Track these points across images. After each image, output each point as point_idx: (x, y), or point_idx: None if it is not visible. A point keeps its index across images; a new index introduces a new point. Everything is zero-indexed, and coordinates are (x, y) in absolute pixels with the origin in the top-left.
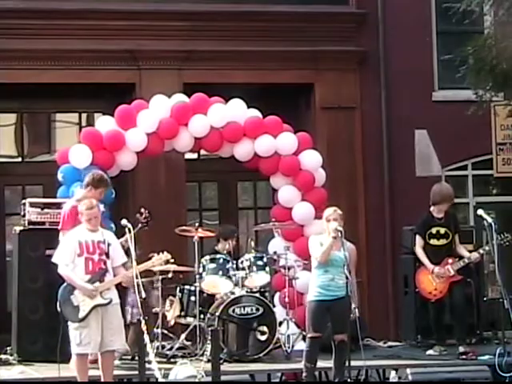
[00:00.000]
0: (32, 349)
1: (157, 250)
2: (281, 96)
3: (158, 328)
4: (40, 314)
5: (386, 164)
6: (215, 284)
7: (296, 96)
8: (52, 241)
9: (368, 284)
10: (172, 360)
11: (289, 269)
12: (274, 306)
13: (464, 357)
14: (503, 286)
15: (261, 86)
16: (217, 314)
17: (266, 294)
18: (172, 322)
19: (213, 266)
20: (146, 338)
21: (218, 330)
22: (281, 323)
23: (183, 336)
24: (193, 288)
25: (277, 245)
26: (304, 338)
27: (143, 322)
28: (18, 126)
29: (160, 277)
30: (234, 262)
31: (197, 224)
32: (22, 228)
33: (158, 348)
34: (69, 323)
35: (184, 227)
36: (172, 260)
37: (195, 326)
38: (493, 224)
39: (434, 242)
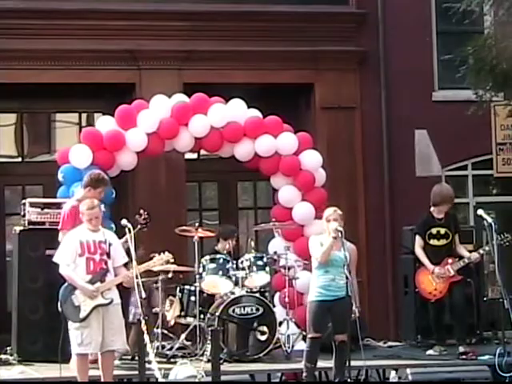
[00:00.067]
0: (32, 349)
1: (157, 250)
2: (281, 96)
3: (157, 328)
4: (40, 314)
5: (386, 164)
6: (215, 284)
7: (296, 96)
8: (52, 241)
9: (368, 284)
10: (172, 360)
11: (289, 269)
12: (274, 305)
13: (464, 357)
14: (503, 286)
15: (261, 86)
16: (217, 314)
17: (266, 293)
18: (172, 322)
19: (213, 265)
20: (146, 337)
21: (218, 329)
22: (281, 323)
23: (183, 336)
24: (193, 288)
25: (277, 245)
26: (304, 338)
27: (143, 321)
28: (18, 126)
29: (160, 277)
30: (234, 261)
31: (197, 224)
32: (22, 228)
33: (157, 348)
34: (69, 323)
35: (184, 227)
36: (172, 260)
37: (195, 326)
38: (493, 224)
39: (434, 242)
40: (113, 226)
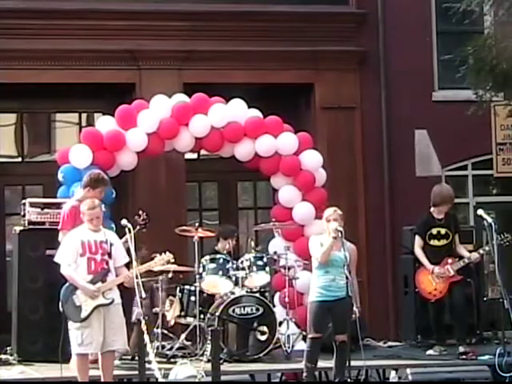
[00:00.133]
0: (32, 349)
1: (157, 250)
2: (281, 96)
3: (157, 328)
4: (40, 314)
5: (386, 164)
6: (215, 284)
7: (296, 96)
8: (52, 241)
9: (368, 284)
10: (172, 360)
11: (289, 269)
12: (274, 305)
13: (464, 357)
14: (503, 286)
15: (261, 86)
16: (217, 314)
17: (266, 294)
18: (172, 322)
19: (213, 265)
20: (146, 337)
21: (218, 329)
22: (281, 323)
23: (183, 336)
24: (193, 288)
25: (277, 245)
26: (304, 338)
27: (143, 321)
28: (18, 126)
29: (161, 277)
30: (234, 261)
31: (197, 224)
32: (22, 228)
33: (158, 348)
34: (70, 323)
35: (184, 227)
36: (173, 260)
37: (195, 326)
38: (493, 224)
39: (434, 242)
40: (113, 226)
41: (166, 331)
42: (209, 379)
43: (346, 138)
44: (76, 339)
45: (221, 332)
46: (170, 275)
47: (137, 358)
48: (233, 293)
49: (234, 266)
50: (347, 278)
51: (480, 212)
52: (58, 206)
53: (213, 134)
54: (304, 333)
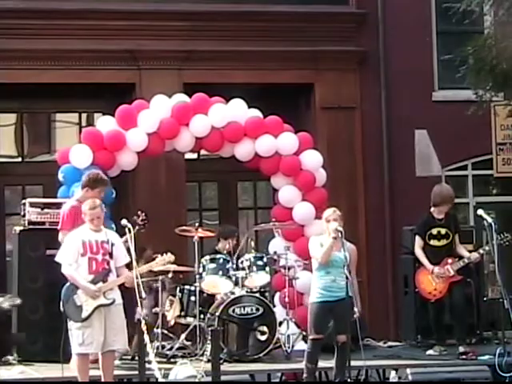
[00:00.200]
0: (32, 349)
1: (157, 250)
2: (281, 96)
3: (157, 328)
4: (40, 314)
5: (386, 164)
6: (215, 284)
7: (296, 96)
8: (52, 241)
9: (368, 284)
10: (172, 360)
11: (289, 269)
12: (274, 305)
13: (464, 357)
14: (503, 286)
15: (261, 86)
16: (217, 314)
17: (266, 294)
18: (172, 322)
19: (213, 265)
20: (146, 337)
21: (218, 329)
22: (281, 323)
23: (183, 336)
24: (193, 288)
25: (277, 245)
26: (304, 338)
27: (143, 321)
28: (18, 126)
29: (165, 277)
30: (234, 261)
31: (197, 224)
32: (22, 228)
33: (158, 348)
34: (71, 323)
35: (184, 227)
36: (173, 260)
37: (195, 326)
38: (493, 224)
39: (434, 242)
40: (113, 225)
41: (166, 331)
42: (209, 379)
43: (346, 138)
44: (77, 339)
45: (221, 332)
46: (170, 275)
47: (137, 358)
48: (233, 293)
49: (234, 266)
50: (347, 278)
51: (480, 212)
52: (58, 206)
53: (213, 133)
54: (304, 333)
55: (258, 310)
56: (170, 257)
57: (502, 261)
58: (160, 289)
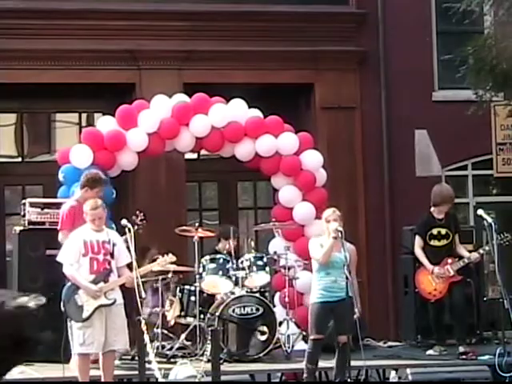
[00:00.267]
0: None
1: (158, 250)
2: (281, 96)
3: (157, 328)
4: (40, 314)
5: (386, 164)
6: (215, 284)
7: (296, 96)
8: (52, 241)
9: (368, 284)
10: (172, 360)
11: (289, 269)
12: (274, 305)
13: (464, 357)
14: (503, 286)
15: (261, 86)
16: (217, 314)
17: (266, 294)
18: (172, 322)
19: (213, 265)
20: (146, 337)
21: (217, 329)
22: (281, 323)
23: (183, 336)
24: (193, 288)
25: (277, 245)
26: (304, 338)
27: (143, 321)
28: (18, 126)
29: (161, 277)
30: (235, 261)
31: (197, 224)
32: (22, 228)
33: (158, 348)
34: (72, 323)
35: (184, 227)
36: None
37: (195, 326)
38: (493, 224)
39: (434, 242)
40: (113, 225)
41: (166, 331)
42: (209, 379)
43: (346, 138)
44: (78, 339)
45: (221, 332)
46: (169, 275)
47: (137, 358)
48: (233, 293)
49: (234, 265)
50: (347, 278)
51: (480, 212)
52: (58, 206)
53: (213, 133)
54: (304, 333)
55: (258, 310)
56: (171, 258)
57: (502, 261)
58: (162, 289)
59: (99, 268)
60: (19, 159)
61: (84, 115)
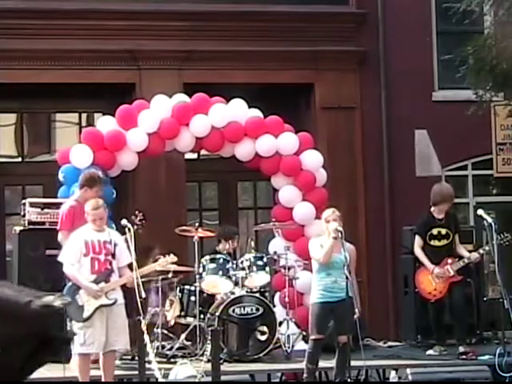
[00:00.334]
0: None
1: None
2: (281, 96)
3: (157, 328)
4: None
5: (386, 164)
6: (215, 284)
7: (296, 96)
8: (52, 241)
9: (368, 284)
10: (172, 360)
11: (289, 269)
12: (274, 305)
13: (464, 357)
14: (503, 286)
15: (261, 86)
16: (217, 314)
17: (266, 293)
18: (172, 322)
19: (213, 265)
20: (146, 337)
21: (218, 329)
22: (281, 323)
23: (183, 336)
24: (193, 288)
25: (277, 245)
26: (304, 338)
27: (143, 321)
28: (18, 126)
29: (161, 277)
30: (234, 262)
31: (197, 224)
32: (22, 228)
33: (158, 348)
34: (72, 323)
35: (184, 227)
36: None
37: (195, 326)
38: (493, 224)
39: (434, 242)
40: (113, 225)
41: (166, 331)
42: (209, 379)
43: (346, 138)
44: (78, 339)
45: (221, 332)
46: (169, 275)
47: (137, 358)
48: (233, 293)
49: (234, 266)
50: (347, 278)
51: (480, 212)
52: (58, 206)
53: (213, 133)
54: (304, 333)
55: (258, 309)
56: (172, 258)
57: (502, 261)
58: (166, 289)
59: (100, 268)
60: (19, 159)
61: (84, 115)
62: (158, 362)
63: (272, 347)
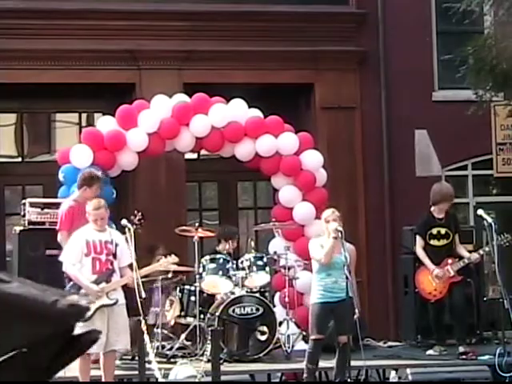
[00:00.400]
0: None
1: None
2: (281, 96)
3: (157, 328)
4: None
5: (386, 164)
6: (215, 284)
7: (296, 96)
8: (52, 241)
9: (368, 284)
10: (172, 360)
11: (289, 269)
12: (274, 305)
13: (464, 357)
14: (503, 286)
15: (261, 86)
16: (217, 314)
17: (266, 294)
18: (172, 322)
19: (213, 265)
20: (146, 337)
21: (218, 329)
22: (281, 323)
23: (183, 336)
24: (193, 288)
25: (277, 245)
26: (304, 338)
27: (143, 321)
28: (18, 126)
29: (161, 276)
30: (234, 262)
31: (197, 224)
32: (22, 228)
33: (158, 348)
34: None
35: (184, 227)
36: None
37: (195, 326)
38: (493, 224)
39: (434, 242)
40: (113, 225)
41: (166, 331)
42: (209, 379)
43: (346, 138)
44: None
45: (221, 332)
46: (169, 275)
47: (137, 358)
48: (233, 293)
49: (234, 266)
50: (347, 278)
51: (480, 212)
52: (58, 206)
53: (213, 133)
54: (304, 333)
55: (258, 310)
56: (173, 259)
57: (502, 261)
58: (170, 289)
59: (101, 268)
60: (19, 159)
61: (84, 115)
62: (158, 362)
63: (272, 347)
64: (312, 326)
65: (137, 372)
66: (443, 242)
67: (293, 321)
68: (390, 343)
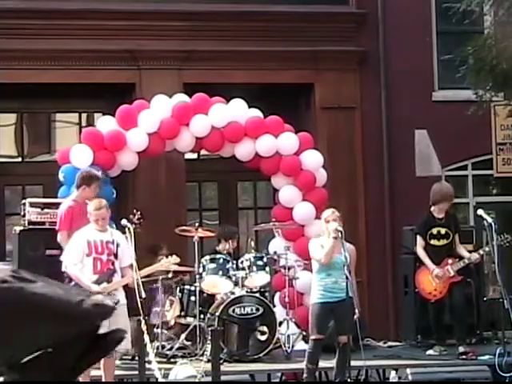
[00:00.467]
0: None
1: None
2: (281, 96)
3: (157, 328)
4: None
5: (386, 164)
6: (215, 284)
7: (296, 96)
8: (52, 241)
9: (368, 284)
10: (172, 360)
11: (289, 269)
12: (274, 305)
13: (464, 357)
14: (503, 286)
15: (261, 86)
16: (217, 314)
17: (266, 294)
18: (172, 322)
19: (213, 265)
20: (146, 337)
21: (218, 329)
22: (281, 323)
23: (183, 336)
24: (193, 288)
25: (277, 245)
26: (304, 338)
27: (143, 321)
28: (18, 126)
29: (161, 276)
30: (234, 262)
31: (197, 224)
32: (22, 228)
33: (158, 348)
34: None
35: (184, 227)
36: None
37: (195, 326)
38: (493, 224)
39: (434, 242)
40: (113, 225)
41: (166, 331)
42: (209, 379)
43: (346, 138)
44: None
45: (221, 332)
46: (169, 275)
47: (137, 358)
48: (233, 293)
49: (234, 266)
50: (347, 278)
51: (480, 212)
52: (58, 206)
53: (213, 133)
54: (304, 333)
55: (258, 310)
56: (175, 259)
57: (502, 261)
58: (173, 288)
59: (103, 268)
60: (19, 159)
61: (84, 115)
62: (158, 362)
63: (272, 347)
64: (312, 326)
65: (137, 372)
66: (443, 241)
67: (293, 321)
68: (390, 343)
